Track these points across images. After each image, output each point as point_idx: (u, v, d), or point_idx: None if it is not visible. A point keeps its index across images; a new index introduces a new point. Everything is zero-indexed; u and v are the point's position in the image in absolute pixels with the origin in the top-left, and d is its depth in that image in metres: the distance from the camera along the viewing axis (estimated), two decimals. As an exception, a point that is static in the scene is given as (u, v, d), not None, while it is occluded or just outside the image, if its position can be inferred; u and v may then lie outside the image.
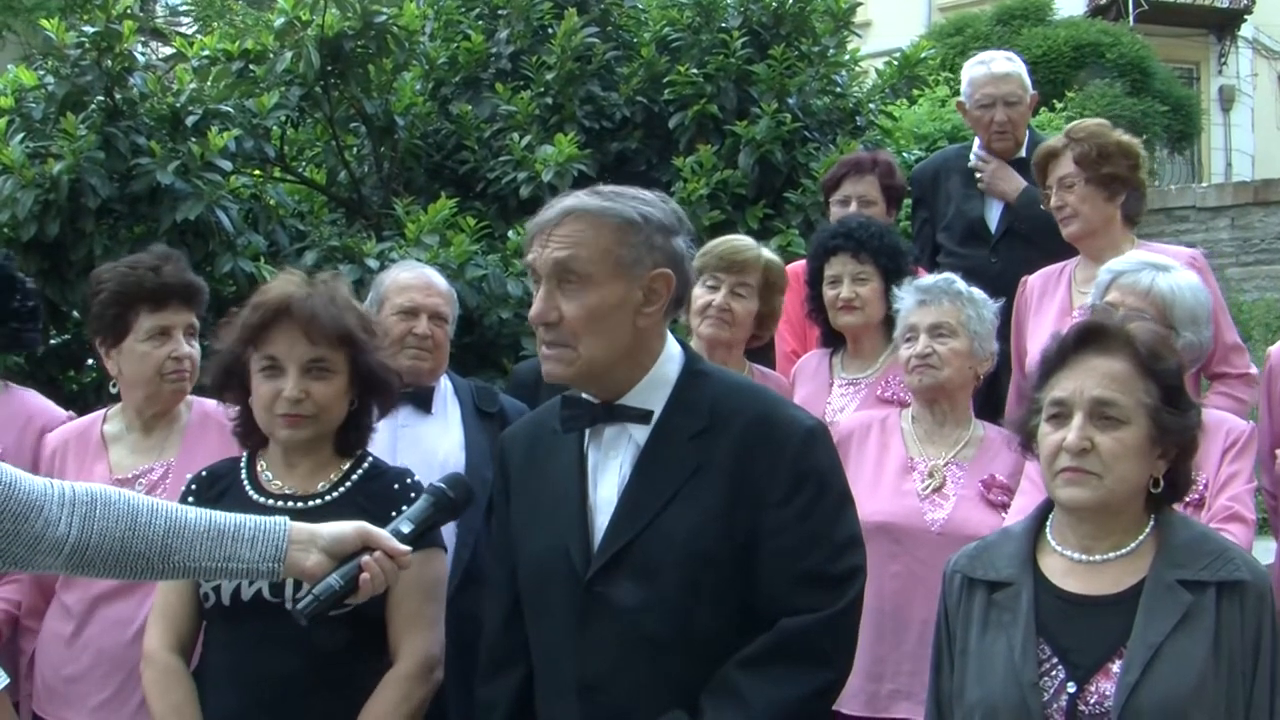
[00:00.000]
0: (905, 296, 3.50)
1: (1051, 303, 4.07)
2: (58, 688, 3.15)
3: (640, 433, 2.33)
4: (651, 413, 2.32)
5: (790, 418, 2.34)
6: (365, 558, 2.26)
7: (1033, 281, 4.18)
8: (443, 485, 2.48)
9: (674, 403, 2.33)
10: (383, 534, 2.31)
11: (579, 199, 2.31)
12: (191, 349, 3.25)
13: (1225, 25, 21.56)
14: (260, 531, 2.21)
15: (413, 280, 3.61)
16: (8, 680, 3.17)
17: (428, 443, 3.50)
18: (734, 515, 2.24)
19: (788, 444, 2.27)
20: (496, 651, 2.52)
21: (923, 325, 3.41)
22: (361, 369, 2.79)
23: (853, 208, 4.53)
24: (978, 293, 3.49)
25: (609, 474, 2.34)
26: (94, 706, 3.10)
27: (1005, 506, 3.27)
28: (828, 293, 3.90)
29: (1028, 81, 5.00)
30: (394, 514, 2.49)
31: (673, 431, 2.31)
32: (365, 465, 2.83)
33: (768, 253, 3.88)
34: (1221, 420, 3.23)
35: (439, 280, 3.68)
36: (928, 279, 3.54)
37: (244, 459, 2.86)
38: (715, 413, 2.31)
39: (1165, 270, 3.24)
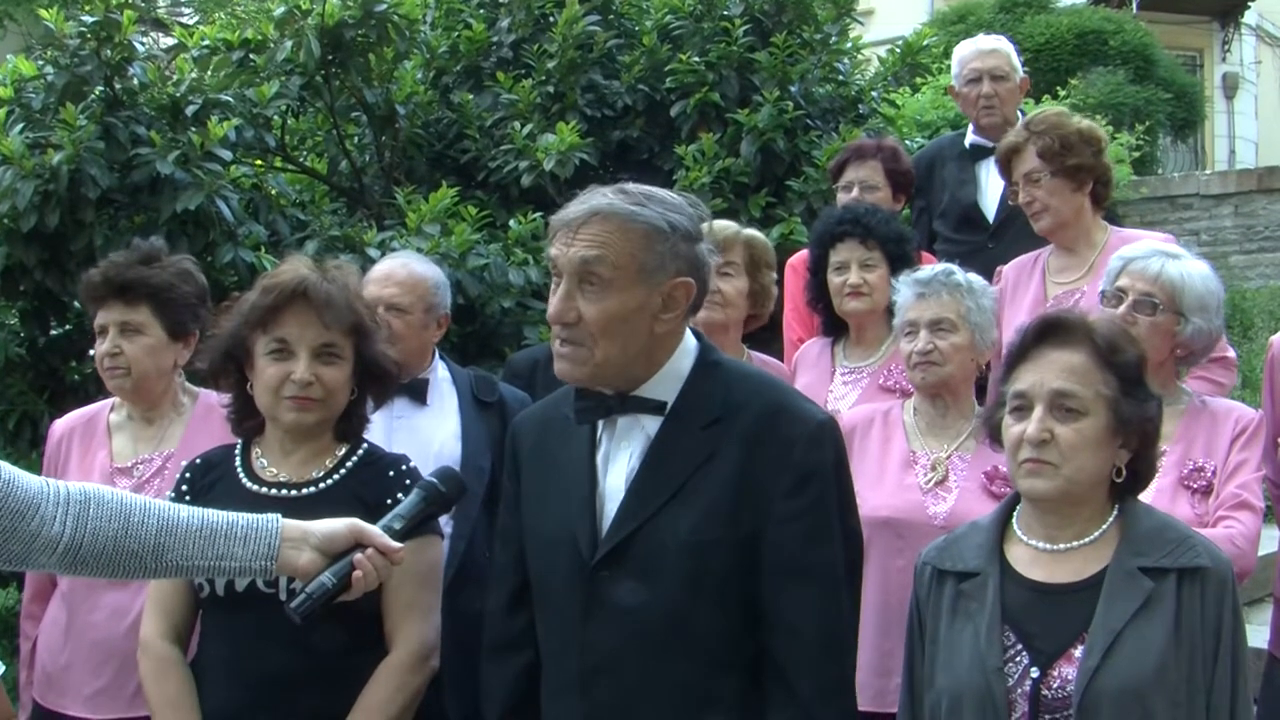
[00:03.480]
0: (903, 289, 3.46)
1: (1025, 293, 4.05)
2: (55, 675, 3.16)
3: (652, 423, 2.33)
4: (665, 404, 2.32)
5: (801, 411, 2.34)
6: (358, 555, 2.26)
7: (1007, 272, 4.16)
8: (434, 479, 2.48)
9: (687, 394, 2.33)
10: (375, 531, 2.31)
11: (608, 199, 2.27)
12: (125, 344, 3.21)
13: (1228, 12, 21.48)
14: (253, 530, 2.21)
15: (375, 272, 3.58)
16: (3, 669, 3.17)
17: (423, 434, 3.49)
18: (740, 506, 2.24)
19: (796, 438, 2.27)
20: (499, 636, 2.53)
21: (923, 320, 3.37)
22: (366, 358, 2.78)
23: (855, 193, 4.52)
24: (977, 281, 3.45)
25: (619, 463, 2.35)
26: (88, 695, 3.10)
27: (1007, 499, 3.26)
28: (833, 279, 3.88)
29: (1016, 62, 5.05)
30: (390, 501, 2.49)
31: (685, 421, 2.31)
32: (360, 452, 2.82)
33: (747, 230, 3.86)
34: (1230, 409, 3.25)
35: (402, 270, 3.61)
36: (926, 271, 3.49)
37: (238, 447, 2.85)
38: (728, 403, 2.31)
39: (1176, 257, 3.25)
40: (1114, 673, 2.25)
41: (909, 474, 3.35)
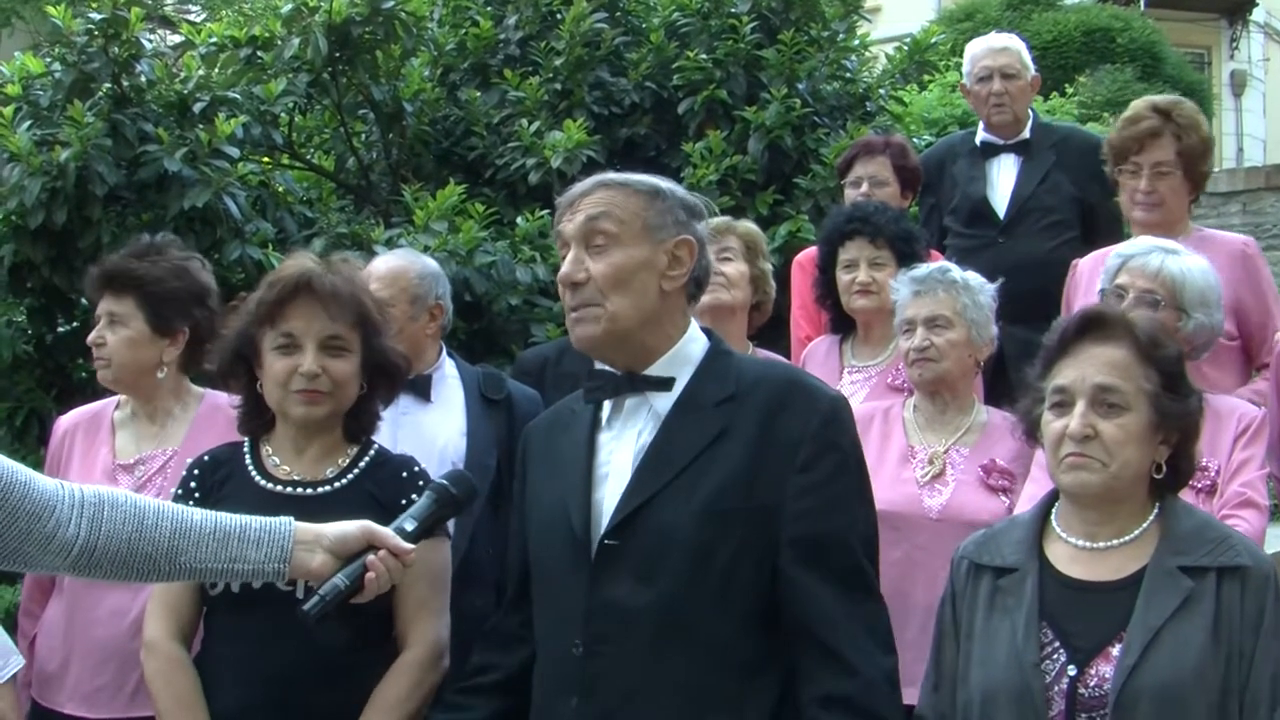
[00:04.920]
0: (900, 288, 3.48)
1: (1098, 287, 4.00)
2: (53, 674, 3.15)
3: (661, 403, 2.33)
4: (673, 380, 2.33)
5: (818, 386, 2.37)
6: (370, 557, 2.27)
7: (1082, 265, 4.09)
8: (445, 482, 2.47)
9: (701, 374, 2.35)
10: (387, 533, 2.31)
11: (608, 174, 2.39)
12: (108, 335, 3.22)
13: (1236, 10, 21.42)
14: (266, 532, 2.22)
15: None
16: (22, 663, 3.17)
17: (428, 430, 3.48)
18: (758, 477, 2.24)
19: (816, 410, 2.28)
20: (495, 630, 2.55)
21: (919, 318, 3.39)
22: (374, 352, 2.78)
23: (864, 189, 4.52)
24: (973, 278, 3.46)
25: (626, 442, 2.35)
26: (87, 693, 3.09)
27: (1005, 491, 3.26)
28: (842, 277, 3.89)
29: (1028, 60, 5.03)
30: (405, 501, 2.48)
31: (698, 399, 2.32)
32: (372, 452, 2.82)
33: (739, 221, 3.98)
34: (1234, 406, 3.23)
35: (382, 265, 3.62)
36: (922, 269, 3.51)
37: (245, 445, 2.83)
38: (741, 381, 2.33)
39: (1174, 253, 3.23)
40: (1152, 671, 2.23)
41: (906, 468, 3.37)
